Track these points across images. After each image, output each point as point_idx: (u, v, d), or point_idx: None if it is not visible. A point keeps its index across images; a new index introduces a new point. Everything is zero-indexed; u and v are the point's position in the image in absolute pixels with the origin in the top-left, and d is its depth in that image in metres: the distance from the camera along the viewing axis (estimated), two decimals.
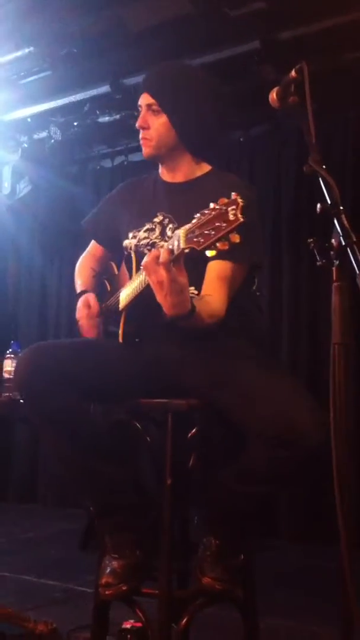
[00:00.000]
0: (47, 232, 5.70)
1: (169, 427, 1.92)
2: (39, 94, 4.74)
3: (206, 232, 1.58)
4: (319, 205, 1.49)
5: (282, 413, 1.70)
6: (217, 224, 1.57)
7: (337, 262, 1.43)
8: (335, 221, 1.45)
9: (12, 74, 4.48)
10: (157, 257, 1.73)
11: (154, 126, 2.18)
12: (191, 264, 1.80)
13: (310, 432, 1.67)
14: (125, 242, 2.23)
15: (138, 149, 5.18)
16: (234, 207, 1.56)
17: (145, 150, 2.23)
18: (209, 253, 1.60)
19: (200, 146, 2.23)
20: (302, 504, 4.28)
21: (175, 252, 1.69)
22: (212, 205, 1.61)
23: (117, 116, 4.76)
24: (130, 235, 2.23)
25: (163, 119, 2.17)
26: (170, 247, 1.72)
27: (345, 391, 1.40)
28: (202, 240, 1.59)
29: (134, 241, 2.20)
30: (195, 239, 1.61)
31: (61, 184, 5.46)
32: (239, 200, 1.57)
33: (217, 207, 1.59)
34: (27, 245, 5.90)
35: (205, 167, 2.26)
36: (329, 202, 1.49)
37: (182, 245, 1.65)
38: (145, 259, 1.76)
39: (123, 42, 4.07)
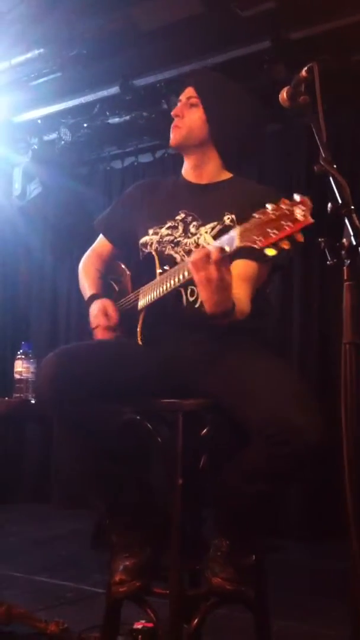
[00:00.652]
0: (58, 233, 5.72)
1: (180, 427, 1.92)
2: (49, 95, 4.75)
3: (268, 230, 1.57)
4: (329, 205, 1.49)
5: (279, 411, 1.71)
6: (281, 223, 1.55)
7: (348, 262, 1.43)
8: (346, 221, 1.45)
9: (22, 76, 4.49)
10: (208, 255, 1.73)
11: (188, 116, 2.24)
12: None
13: (305, 430, 1.68)
14: (145, 239, 2.23)
15: (148, 149, 5.30)
16: (303, 207, 1.55)
17: (174, 137, 2.26)
18: (269, 252, 1.59)
19: (231, 152, 2.27)
20: (311, 503, 4.27)
21: (228, 250, 1.69)
22: (270, 205, 1.59)
23: (127, 117, 4.76)
24: (151, 231, 2.23)
25: (199, 112, 2.23)
26: (221, 244, 1.72)
27: (356, 390, 1.40)
28: (261, 238, 1.58)
29: (156, 237, 2.20)
30: (254, 237, 1.59)
31: (71, 185, 5.47)
32: (309, 201, 1.57)
33: (282, 207, 1.57)
34: (38, 246, 5.92)
35: (228, 174, 2.29)
36: (339, 201, 1.49)
37: (237, 244, 1.64)
38: (194, 256, 1.76)
39: (133, 43, 4.08)
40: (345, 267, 1.44)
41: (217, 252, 1.70)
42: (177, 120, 2.26)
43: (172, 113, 2.27)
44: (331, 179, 1.53)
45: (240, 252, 1.72)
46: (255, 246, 1.60)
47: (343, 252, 1.44)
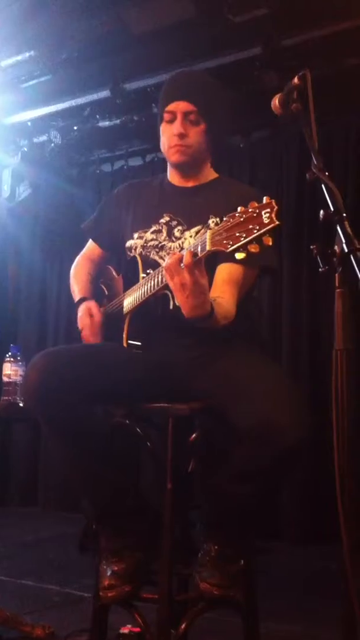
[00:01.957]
0: (47, 236, 5.71)
1: (170, 431, 1.92)
2: (39, 97, 4.74)
3: (237, 234, 1.59)
4: (322, 212, 1.49)
5: (263, 412, 1.72)
6: (249, 227, 1.58)
7: (340, 269, 1.44)
8: (338, 228, 1.46)
9: (13, 78, 4.49)
10: (180, 260, 1.74)
11: (193, 135, 2.16)
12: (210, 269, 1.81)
13: (287, 429, 1.69)
14: (130, 242, 2.23)
15: (138, 153, 5.30)
16: (268, 210, 1.57)
17: (181, 158, 2.18)
18: (238, 255, 1.61)
19: (220, 152, 2.27)
20: (303, 506, 4.28)
21: (200, 254, 1.71)
22: (240, 208, 1.62)
23: (118, 121, 4.77)
24: (136, 235, 2.22)
25: (201, 127, 2.16)
26: (194, 249, 1.73)
27: (347, 397, 1.41)
28: (231, 242, 1.60)
29: (140, 242, 2.20)
30: (224, 241, 1.62)
31: (61, 187, 5.47)
32: (274, 204, 1.58)
33: (249, 210, 1.60)
34: (27, 248, 5.90)
35: (214, 174, 2.28)
36: (331, 208, 1.49)
37: (208, 248, 1.66)
38: (167, 261, 1.78)
39: (124, 47, 4.08)
40: (337, 274, 1.45)
41: (189, 256, 1.72)
42: (182, 141, 2.15)
43: (175, 131, 2.14)
44: (323, 186, 1.53)
45: (222, 256, 1.73)
46: (225, 249, 1.62)
47: (335, 259, 1.45)
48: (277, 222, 1.56)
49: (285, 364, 4.47)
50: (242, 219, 1.60)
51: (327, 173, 1.57)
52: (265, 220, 1.56)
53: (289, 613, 2.89)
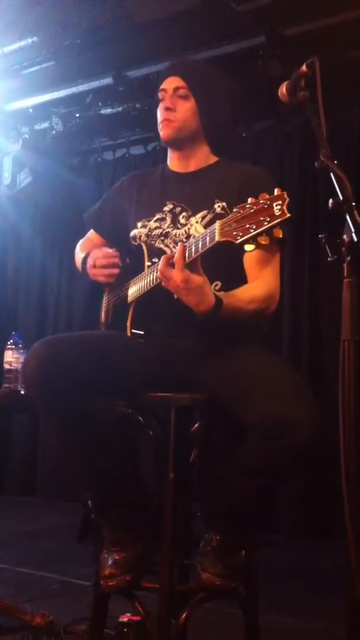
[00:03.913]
0: (48, 223, 5.69)
1: (172, 421, 1.91)
2: (41, 84, 4.71)
3: (247, 225, 1.59)
4: (330, 201, 1.48)
5: (276, 406, 1.71)
6: (260, 218, 1.57)
7: (349, 258, 1.43)
8: (347, 217, 1.44)
9: (14, 64, 4.46)
10: (169, 260, 1.79)
11: (180, 109, 2.17)
12: (216, 256, 1.81)
13: (301, 423, 1.67)
14: (135, 232, 2.21)
15: (140, 141, 5.28)
16: (279, 201, 1.57)
17: (166, 132, 2.18)
18: (248, 247, 1.61)
19: (218, 138, 2.23)
20: (305, 499, 4.27)
21: (208, 244, 1.72)
22: (250, 199, 1.61)
23: (120, 108, 4.74)
24: (140, 224, 2.21)
25: (190, 103, 2.17)
26: (196, 242, 1.75)
27: (355, 388, 1.40)
28: (240, 233, 1.60)
29: (144, 230, 2.19)
30: (234, 233, 1.61)
31: (62, 175, 5.44)
32: (286, 195, 1.58)
33: (260, 201, 1.59)
34: (27, 235, 5.88)
35: (214, 157, 2.25)
36: (340, 197, 1.48)
37: (217, 238, 1.67)
38: (159, 266, 1.81)
39: (127, 34, 4.05)
40: (345, 264, 1.44)
41: (179, 252, 1.76)
42: (168, 114, 2.17)
43: (163, 106, 2.17)
44: (332, 174, 1.52)
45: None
46: (234, 241, 1.62)
47: (343, 248, 1.43)
48: (288, 215, 1.56)
49: (286, 353, 4.46)
50: (252, 210, 1.60)
51: (335, 162, 1.55)
52: (277, 212, 1.56)
53: (289, 606, 2.89)
